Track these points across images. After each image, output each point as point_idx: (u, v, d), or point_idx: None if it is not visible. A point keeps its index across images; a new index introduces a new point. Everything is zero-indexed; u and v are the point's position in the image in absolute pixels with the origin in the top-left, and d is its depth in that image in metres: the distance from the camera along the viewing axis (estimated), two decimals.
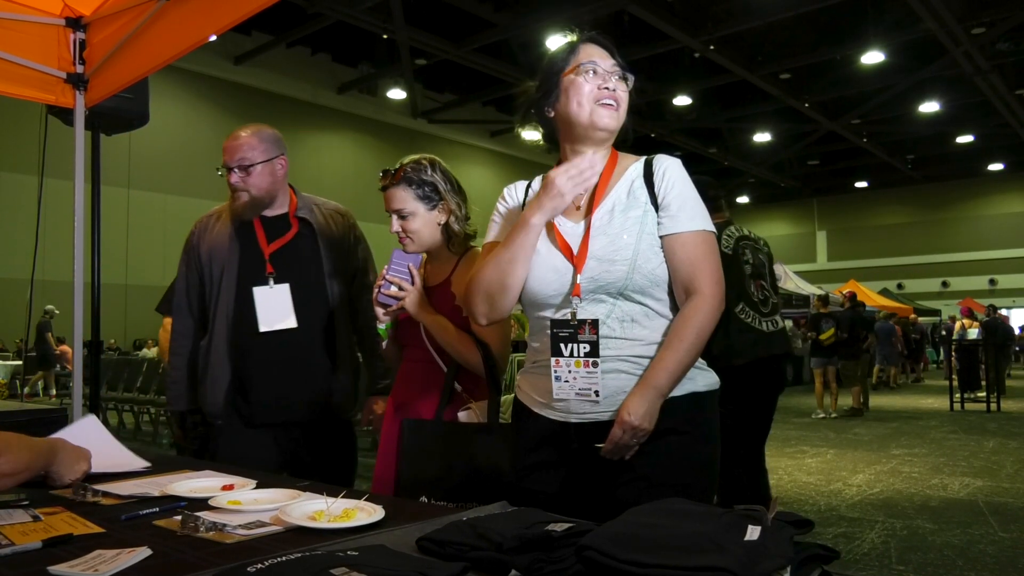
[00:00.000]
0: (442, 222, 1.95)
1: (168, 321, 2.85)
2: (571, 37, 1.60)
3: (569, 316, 1.47)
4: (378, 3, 13.45)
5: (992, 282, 27.13)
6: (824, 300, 10.20)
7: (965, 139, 22.73)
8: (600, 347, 1.44)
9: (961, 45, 14.53)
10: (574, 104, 1.51)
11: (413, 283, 1.88)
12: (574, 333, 1.45)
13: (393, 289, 1.87)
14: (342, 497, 1.29)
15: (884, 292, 21.29)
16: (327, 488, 1.38)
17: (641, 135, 20.78)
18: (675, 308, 1.51)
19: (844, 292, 13.09)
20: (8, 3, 2.88)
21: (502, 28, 14.71)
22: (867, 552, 3.87)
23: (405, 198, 1.90)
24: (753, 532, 0.90)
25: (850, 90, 17.96)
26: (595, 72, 1.51)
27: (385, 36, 15.45)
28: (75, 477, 1.47)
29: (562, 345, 1.46)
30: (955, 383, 11.01)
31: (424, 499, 1.73)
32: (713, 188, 3.50)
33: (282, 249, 2.27)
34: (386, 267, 1.89)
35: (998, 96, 17.82)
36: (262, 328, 2.22)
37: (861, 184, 29.32)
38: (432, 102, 20.10)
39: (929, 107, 18.91)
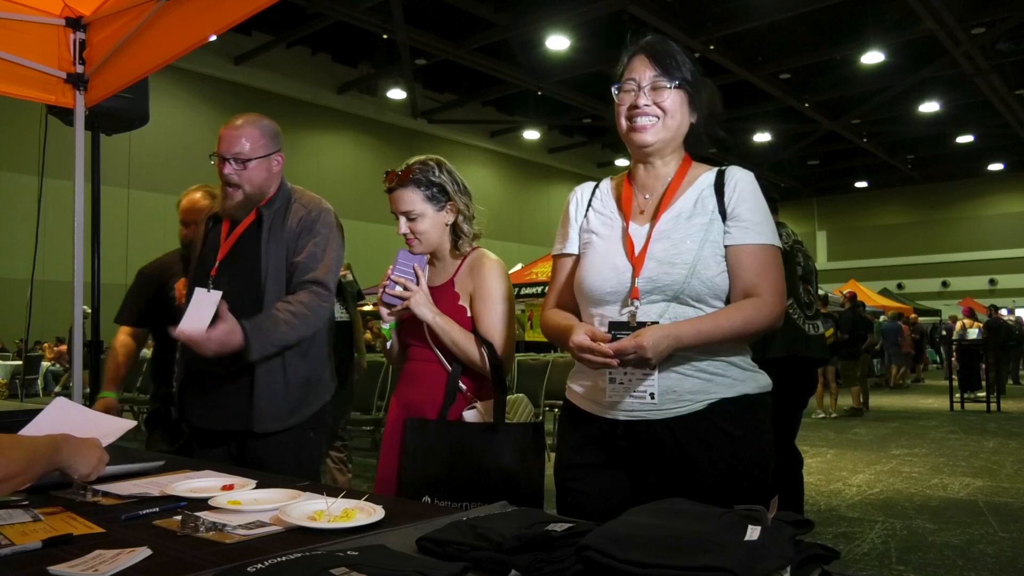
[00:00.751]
0: (449, 222, 1.96)
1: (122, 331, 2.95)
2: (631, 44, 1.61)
3: (628, 318, 1.48)
4: (378, 3, 13.44)
5: (992, 282, 27.12)
6: (824, 300, 10.20)
7: (965, 139, 22.72)
8: None
9: (961, 45, 14.52)
10: (618, 121, 1.57)
11: (418, 283, 1.88)
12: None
13: (398, 289, 1.87)
14: (342, 497, 1.29)
15: (884, 292, 21.29)
16: (327, 488, 1.38)
17: None
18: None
19: (844, 292, 13.09)
20: (8, 3, 2.88)
21: (502, 28, 14.70)
22: (867, 552, 3.87)
23: (414, 199, 1.90)
24: (753, 532, 0.90)
25: (850, 90, 17.95)
26: (631, 88, 1.54)
27: (385, 36, 15.43)
28: (92, 467, 1.40)
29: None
30: (955, 383, 11.01)
31: (427, 499, 1.73)
32: (770, 191, 3.56)
33: (233, 250, 2.17)
34: (391, 267, 1.90)
35: (998, 96, 17.82)
36: (173, 333, 2.07)
37: (861, 184, 29.32)
38: (432, 102, 20.09)
39: (929, 107, 18.90)
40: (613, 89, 1.57)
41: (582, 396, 1.57)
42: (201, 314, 2.01)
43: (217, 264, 2.15)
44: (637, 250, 1.51)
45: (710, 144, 1.63)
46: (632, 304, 1.48)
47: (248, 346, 1.95)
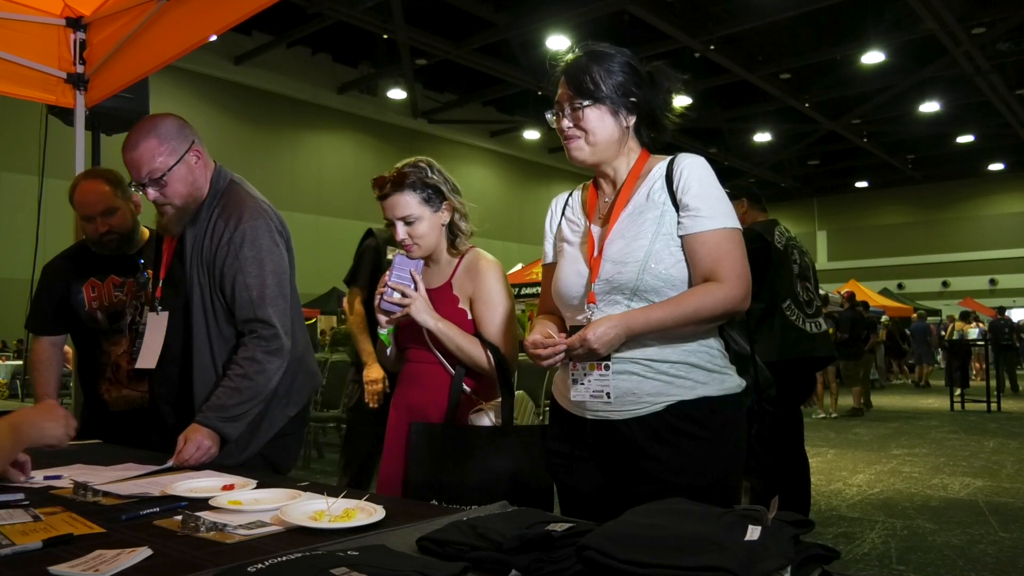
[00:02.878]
0: (446, 223, 1.94)
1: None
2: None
3: (584, 321, 1.51)
4: (378, 3, 13.43)
5: (992, 282, 27.10)
6: (824, 300, 10.20)
7: (965, 139, 22.70)
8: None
9: (961, 45, 14.51)
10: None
11: (416, 289, 1.86)
12: None
13: (396, 296, 1.84)
14: (342, 497, 1.29)
15: (884, 292, 21.27)
16: (327, 488, 1.38)
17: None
18: None
19: (843, 292, 13.09)
20: (8, 3, 2.88)
21: (502, 28, 14.70)
22: (867, 552, 3.87)
23: (410, 203, 1.87)
24: (753, 532, 0.90)
25: (850, 90, 17.94)
26: (556, 112, 1.59)
27: (385, 36, 15.42)
28: (63, 428, 1.41)
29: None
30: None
31: (435, 503, 1.71)
32: (755, 187, 3.57)
33: (169, 271, 2.03)
34: (388, 273, 1.87)
35: (998, 96, 17.80)
36: (136, 366, 2.05)
37: (861, 184, 29.30)
38: (432, 102, 20.08)
39: (929, 107, 18.89)
40: (547, 115, 1.62)
41: (559, 393, 1.64)
42: (155, 341, 1.98)
43: (160, 285, 2.04)
44: (596, 253, 1.55)
45: (671, 125, 1.64)
46: (588, 309, 1.52)
47: (223, 435, 1.82)
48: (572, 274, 1.59)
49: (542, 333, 1.51)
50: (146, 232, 2.57)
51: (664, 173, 1.55)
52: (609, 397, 1.49)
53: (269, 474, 1.92)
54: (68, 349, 2.73)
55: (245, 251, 1.87)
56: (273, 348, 1.87)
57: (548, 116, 1.62)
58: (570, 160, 1.61)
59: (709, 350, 1.53)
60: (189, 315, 1.94)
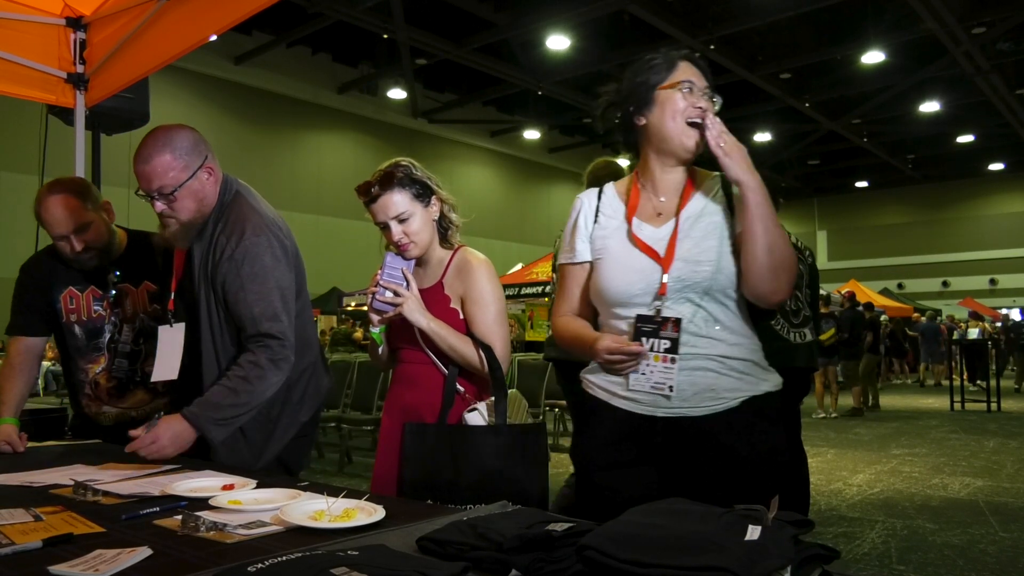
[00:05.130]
0: (436, 217, 1.94)
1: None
2: (670, 53, 1.64)
3: (654, 312, 1.53)
4: (378, 3, 13.43)
5: (992, 282, 27.11)
6: (825, 300, 10.19)
7: (965, 139, 22.71)
8: (686, 345, 1.51)
9: (961, 45, 14.51)
10: (668, 118, 1.57)
11: (408, 288, 1.86)
12: (657, 329, 1.51)
13: (388, 295, 1.84)
14: (342, 497, 1.29)
15: (885, 292, 21.28)
16: (327, 488, 1.38)
17: None
18: (747, 311, 1.60)
19: (843, 292, 13.09)
20: (8, 3, 2.88)
21: (502, 28, 14.70)
22: (867, 552, 3.87)
23: (401, 201, 1.86)
24: (753, 532, 0.90)
25: (850, 90, 17.95)
26: (691, 90, 1.57)
27: (385, 36, 15.43)
28: None
29: (643, 339, 1.52)
30: (955, 383, 11.02)
31: (430, 503, 1.72)
32: (776, 194, 3.58)
33: (180, 283, 2.02)
34: (379, 272, 1.87)
35: (998, 96, 17.81)
36: (152, 379, 2.06)
37: (861, 184, 29.31)
38: (432, 102, 20.09)
39: (929, 107, 18.90)
40: (668, 89, 1.57)
41: (611, 392, 1.60)
42: (171, 355, 1.97)
43: (172, 297, 2.04)
44: (662, 251, 1.56)
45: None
46: (659, 300, 1.54)
47: (207, 434, 1.79)
48: (631, 272, 1.57)
49: (616, 340, 1.52)
50: (123, 236, 2.39)
51: (721, 183, 1.62)
52: (671, 391, 1.49)
53: (277, 474, 1.93)
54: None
55: (246, 269, 1.85)
56: (278, 358, 1.85)
57: (661, 90, 1.57)
58: (684, 144, 1.57)
59: (760, 349, 1.61)
60: (197, 329, 1.95)
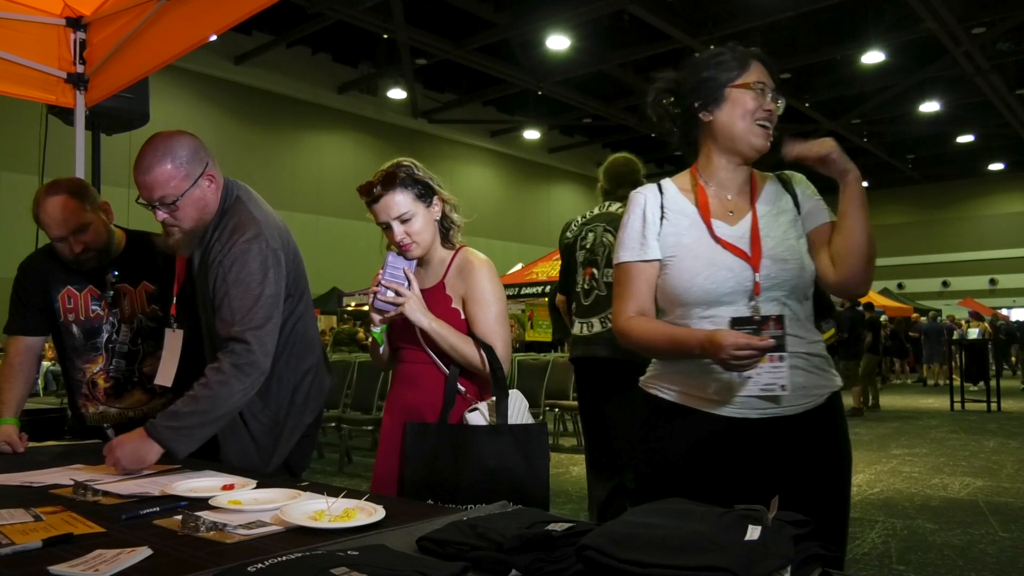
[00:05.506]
0: (438, 217, 1.94)
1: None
2: (736, 48, 1.63)
3: (751, 312, 1.50)
4: (378, 3, 13.42)
5: (992, 282, 27.11)
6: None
7: (965, 139, 22.70)
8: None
9: (961, 45, 14.51)
10: (739, 116, 1.56)
11: (410, 288, 1.86)
12: (757, 329, 1.44)
13: (390, 295, 1.84)
14: (342, 497, 1.29)
15: (884, 292, 21.27)
16: (327, 488, 1.38)
17: (641, 135, 20.80)
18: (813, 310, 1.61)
19: None
20: (8, 3, 2.88)
21: (502, 28, 14.69)
22: (867, 552, 3.86)
23: (404, 201, 1.86)
24: (753, 532, 0.90)
25: (850, 90, 17.94)
26: (763, 91, 1.57)
27: (385, 36, 15.42)
28: None
29: None
30: (955, 383, 11.02)
31: (430, 503, 1.72)
32: None
33: (182, 288, 2.04)
34: (380, 272, 1.87)
35: (998, 96, 17.80)
36: (155, 382, 2.08)
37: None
38: (432, 102, 20.08)
39: (929, 107, 18.89)
40: (741, 88, 1.55)
41: (698, 396, 1.54)
42: (171, 359, 1.97)
43: (174, 301, 2.05)
44: (747, 249, 1.54)
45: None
46: (754, 299, 1.52)
47: (166, 445, 1.71)
48: (718, 269, 1.52)
49: (741, 336, 1.40)
50: (122, 236, 2.39)
51: (780, 183, 1.66)
52: (784, 390, 1.47)
53: (279, 474, 1.94)
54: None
55: (232, 275, 1.82)
56: (242, 363, 1.77)
57: (732, 89, 1.56)
58: (752, 144, 1.57)
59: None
60: (198, 334, 1.97)
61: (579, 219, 3.42)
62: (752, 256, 1.53)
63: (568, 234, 3.42)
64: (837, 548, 1.53)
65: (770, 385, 1.47)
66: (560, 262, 3.55)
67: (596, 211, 3.36)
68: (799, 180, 1.68)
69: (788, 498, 1.40)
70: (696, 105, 1.60)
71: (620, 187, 3.28)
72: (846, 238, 1.54)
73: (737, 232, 1.57)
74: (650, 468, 1.61)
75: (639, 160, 3.43)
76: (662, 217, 1.62)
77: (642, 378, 1.67)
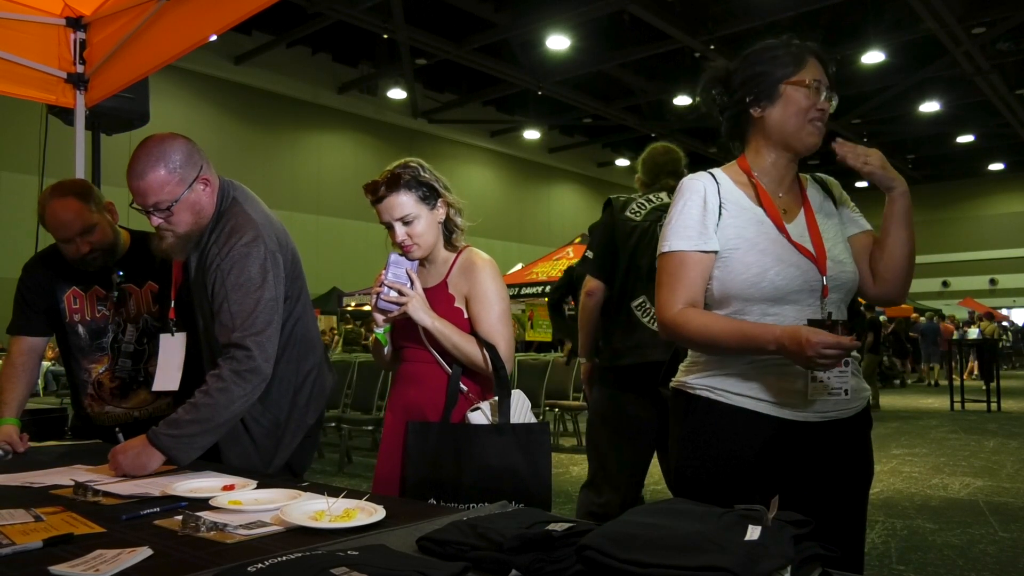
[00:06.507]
0: (442, 219, 1.94)
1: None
2: (793, 40, 1.59)
3: (825, 316, 1.49)
4: (378, 3, 13.43)
5: (992, 282, 27.13)
6: None
7: (965, 139, 22.71)
8: None
9: (961, 45, 14.51)
10: (792, 115, 1.53)
11: (413, 287, 1.86)
12: (831, 332, 1.41)
13: (393, 295, 1.84)
14: (343, 497, 1.29)
15: None
16: (328, 488, 1.38)
17: (641, 135, 20.80)
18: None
19: None
20: (8, 3, 2.88)
21: (502, 28, 14.70)
22: (867, 552, 3.85)
23: (407, 203, 1.86)
24: (753, 532, 0.90)
25: (850, 90, 17.92)
26: (818, 89, 1.53)
27: (385, 36, 15.43)
28: None
29: None
30: (956, 383, 11.02)
31: (432, 502, 1.72)
32: None
33: (179, 293, 2.03)
34: (383, 272, 1.86)
35: (998, 96, 17.81)
36: (154, 388, 2.07)
37: (861, 184, 28.98)
38: (432, 102, 20.09)
39: (929, 107, 18.90)
40: (796, 86, 1.51)
41: (757, 399, 1.50)
42: (172, 365, 1.97)
43: (172, 305, 2.04)
44: (811, 248, 1.53)
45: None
46: (820, 302, 1.51)
47: (168, 453, 1.71)
48: (787, 266, 1.49)
49: (825, 334, 1.34)
50: (127, 237, 2.39)
51: (820, 186, 1.67)
52: (847, 394, 1.48)
53: (280, 475, 1.94)
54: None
55: (232, 279, 1.81)
56: (242, 369, 1.76)
57: (790, 88, 1.52)
58: (804, 141, 1.55)
59: None
60: (196, 338, 1.96)
61: (640, 201, 2.89)
62: (818, 256, 1.52)
63: (630, 214, 2.85)
64: (856, 546, 1.58)
65: (837, 389, 1.47)
66: (596, 247, 2.93)
67: (653, 199, 2.89)
68: (833, 184, 1.69)
69: (829, 498, 1.47)
70: (748, 100, 1.55)
71: (659, 178, 3.01)
72: (889, 255, 1.55)
73: (796, 230, 1.53)
74: (705, 474, 1.54)
75: (679, 149, 3.12)
76: (720, 206, 1.55)
77: (676, 379, 1.62)
